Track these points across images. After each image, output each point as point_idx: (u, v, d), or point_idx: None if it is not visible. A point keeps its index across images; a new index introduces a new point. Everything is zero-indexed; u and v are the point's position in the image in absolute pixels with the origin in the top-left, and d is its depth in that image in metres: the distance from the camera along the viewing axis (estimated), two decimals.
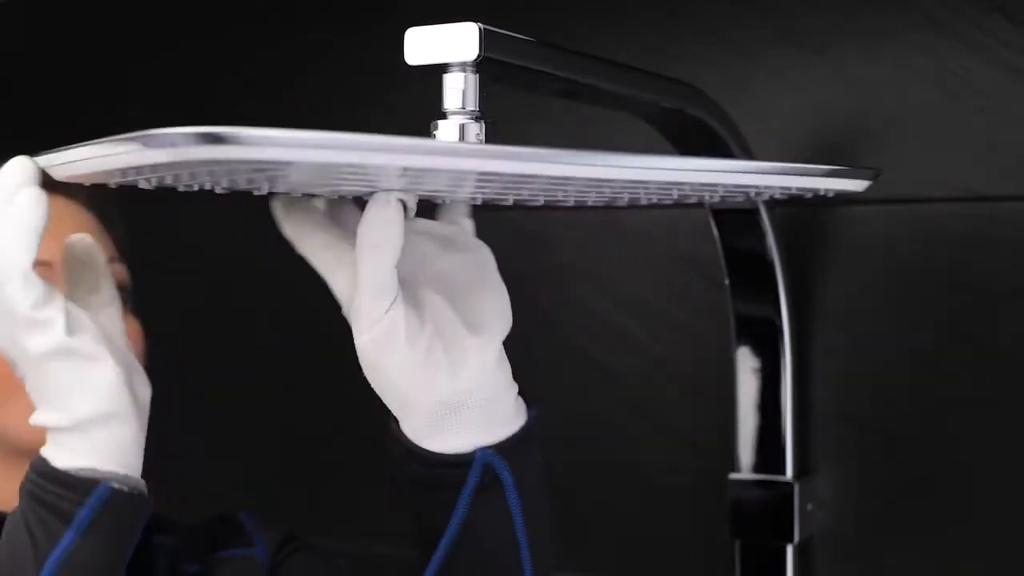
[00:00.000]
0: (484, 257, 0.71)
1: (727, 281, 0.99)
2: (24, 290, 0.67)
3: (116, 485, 0.68)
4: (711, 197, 0.69)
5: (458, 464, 0.69)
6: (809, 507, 0.99)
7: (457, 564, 0.70)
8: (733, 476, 1.00)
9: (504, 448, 0.69)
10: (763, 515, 0.99)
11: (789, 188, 0.64)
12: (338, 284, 0.70)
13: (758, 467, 1.00)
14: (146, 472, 0.87)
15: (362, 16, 1.20)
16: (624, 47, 1.05)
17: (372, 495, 1.21)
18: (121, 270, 0.91)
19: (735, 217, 0.96)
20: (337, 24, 1.23)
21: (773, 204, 0.95)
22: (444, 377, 0.68)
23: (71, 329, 0.67)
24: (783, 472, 0.99)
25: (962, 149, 0.94)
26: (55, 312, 0.67)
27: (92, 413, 0.67)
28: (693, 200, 0.71)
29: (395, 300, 0.66)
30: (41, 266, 0.86)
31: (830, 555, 1.00)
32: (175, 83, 1.33)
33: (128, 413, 0.69)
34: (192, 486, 1.24)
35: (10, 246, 0.67)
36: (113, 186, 0.70)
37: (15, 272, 0.67)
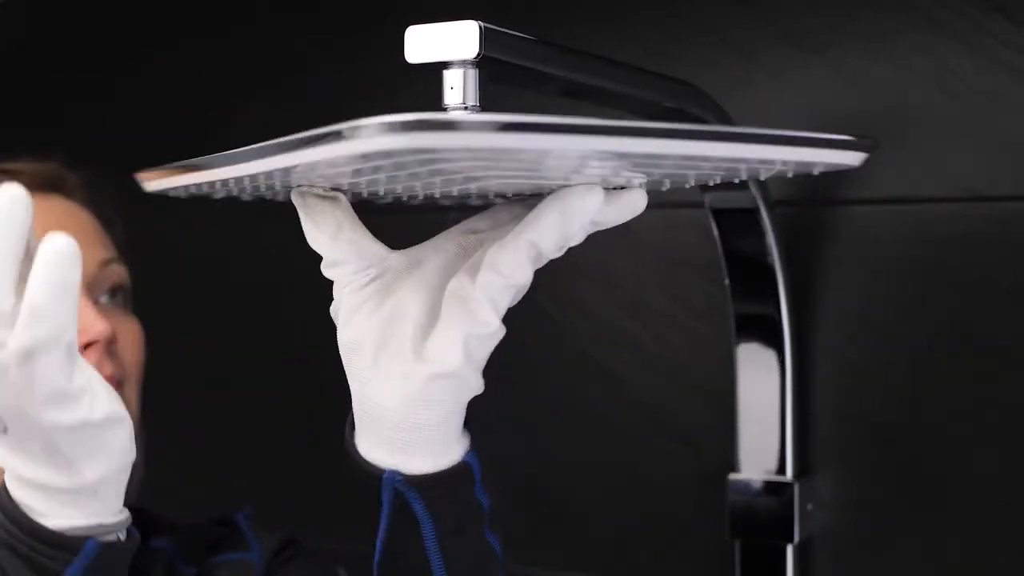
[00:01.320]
0: (475, 281, 0.65)
1: (727, 281, 0.99)
2: (65, 365, 0.59)
3: (106, 539, 0.65)
4: (708, 176, 0.68)
5: (375, 477, 0.67)
6: (809, 507, 0.99)
7: None
8: (733, 476, 1.00)
9: (415, 480, 0.66)
10: (763, 515, 0.99)
11: (788, 161, 0.63)
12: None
13: (758, 467, 1.00)
14: (146, 473, 0.87)
15: (362, 16, 1.20)
16: (624, 47, 1.05)
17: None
18: (121, 271, 0.91)
19: (735, 217, 0.96)
20: (337, 24, 1.23)
21: (774, 203, 0.96)
22: (375, 387, 0.66)
23: (92, 398, 0.62)
24: (783, 472, 0.99)
25: (962, 149, 0.94)
26: (85, 383, 0.61)
27: (104, 475, 0.64)
28: (690, 182, 0.70)
29: (357, 311, 0.65)
30: None
31: (830, 555, 1.00)
32: (175, 83, 1.33)
33: (133, 459, 0.66)
34: (191, 486, 1.24)
35: (54, 310, 0.58)
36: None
37: (59, 344, 0.58)
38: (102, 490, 0.64)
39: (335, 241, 0.66)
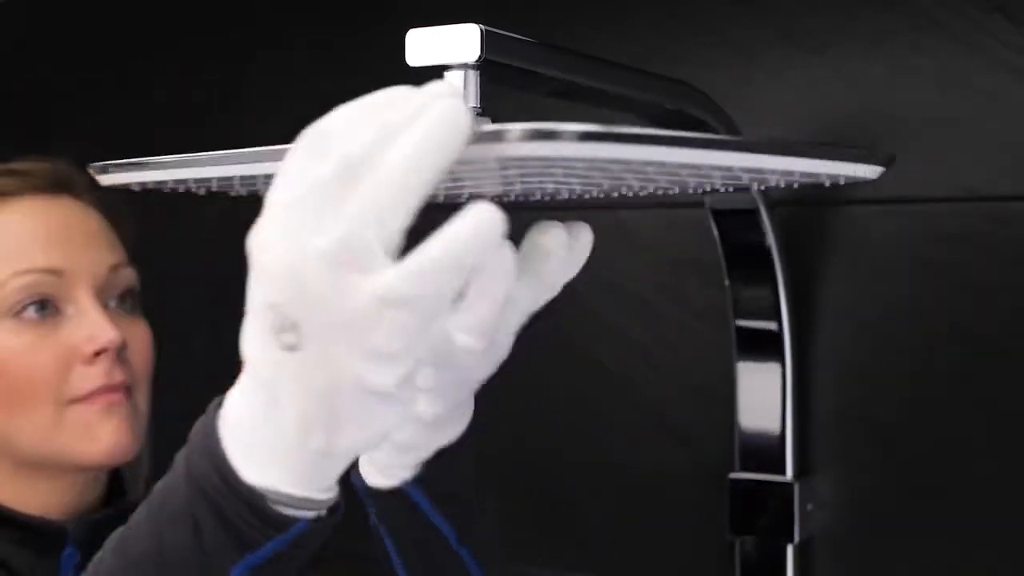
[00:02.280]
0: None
1: (727, 281, 0.99)
2: (417, 330, 0.50)
3: (314, 515, 0.56)
4: (719, 185, 0.68)
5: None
6: (809, 507, 0.99)
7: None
8: (733, 476, 1.01)
9: (373, 493, 0.69)
10: (763, 515, 0.99)
11: (804, 173, 0.63)
12: None
13: (758, 467, 1.00)
14: (154, 474, 0.88)
15: (362, 16, 1.20)
16: (625, 47, 1.05)
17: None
18: (131, 275, 0.91)
19: (735, 217, 0.96)
20: (337, 24, 1.23)
21: (774, 204, 0.96)
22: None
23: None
24: (783, 472, 0.99)
25: (962, 149, 0.94)
26: (407, 356, 0.51)
27: (352, 446, 0.54)
28: (695, 189, 0.70)
29: None
30: (52, 275, 0.87)
31: (830, 555, 1.00)
32: (175, 83, 1.33)
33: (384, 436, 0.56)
34: None
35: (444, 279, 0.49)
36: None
37: (427, 310, 0.49)
38: (337, 462, 0.55)
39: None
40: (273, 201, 0.51)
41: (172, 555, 0.56)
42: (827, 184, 0.67)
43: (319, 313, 0.50)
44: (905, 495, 0.97)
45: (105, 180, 0.67)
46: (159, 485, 0.58)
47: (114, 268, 0.90)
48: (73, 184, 0.90)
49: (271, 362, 0.53)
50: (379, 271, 0.49)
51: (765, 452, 1.00)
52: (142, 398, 0.89)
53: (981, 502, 0.94)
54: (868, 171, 0.66)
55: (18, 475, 0.88)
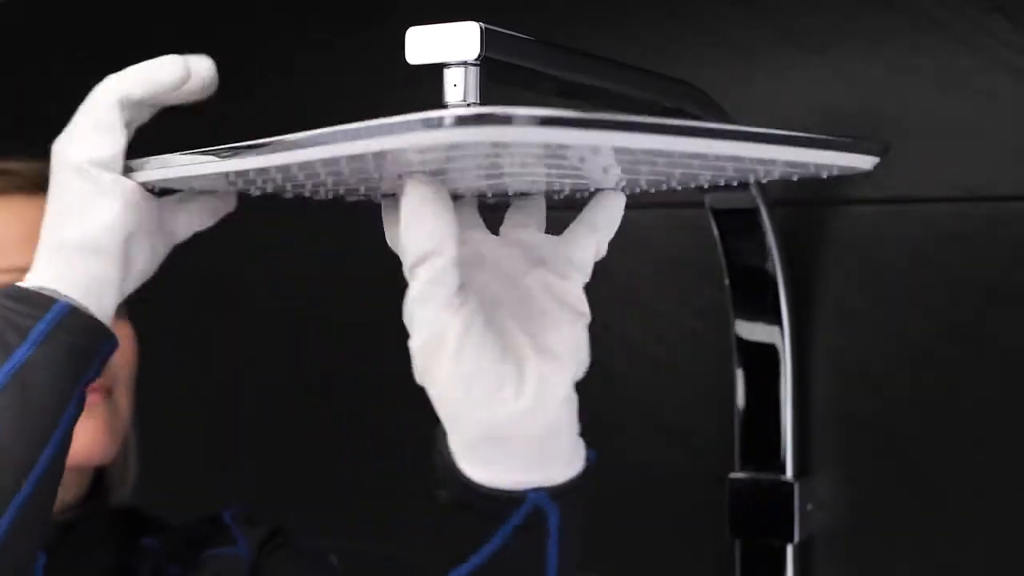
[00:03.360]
0: (572, 282, 0.65)
1: (727, 281, 0.99)
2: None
3: (75, 303, 0.67)
4: (714, 177, 0.68)
5: (500, 499, 0.62)
6: (809, 507, 0.99)
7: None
8: (733, 476, 1.00)
9: (557, 492, 0.63)
10: (763, 515, 0.99)
11: (795, 163, 0.63)
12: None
13: (758, 467, 1.00)
14: (142, 473, 0.88)
15: (362, 15, 1.20)
16: (624, 47, 1.05)
17: (375, 495, 1.21)
18: None
19: (735, 217, 0.96)
20: (337, 23, 1.23)
21: (774, 204, 0.96)
22: (501, 399, 0.61)
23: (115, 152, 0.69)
24: (783, 472, 0.99)
25: (962, 149, 0.94)
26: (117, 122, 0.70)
27: (79, 240, 0.68)
28: (693, 181, 0.70)
29: (450, 304, 0.60)
30: (22, 273, 0.87)
31: (830, 555, 1.00)
32: None
33: (114, 255, 0.69)
34: (189, 486, 1.24)
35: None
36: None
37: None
38: (75, 261, 0.68)
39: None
40: None
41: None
42: (824, 175, 0.67)
43: None
44: (905, 495, 0.97)
45: (140, 177, 0.69)
46: None
47: None
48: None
49: None
50: None
51: (765, 452, 1.00)
52: (123, 399, 0.88)
53: (981, 502, 0.94)
54: (863, 161, 0.66)
55: None
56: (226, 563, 0.90)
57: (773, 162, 0.62)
